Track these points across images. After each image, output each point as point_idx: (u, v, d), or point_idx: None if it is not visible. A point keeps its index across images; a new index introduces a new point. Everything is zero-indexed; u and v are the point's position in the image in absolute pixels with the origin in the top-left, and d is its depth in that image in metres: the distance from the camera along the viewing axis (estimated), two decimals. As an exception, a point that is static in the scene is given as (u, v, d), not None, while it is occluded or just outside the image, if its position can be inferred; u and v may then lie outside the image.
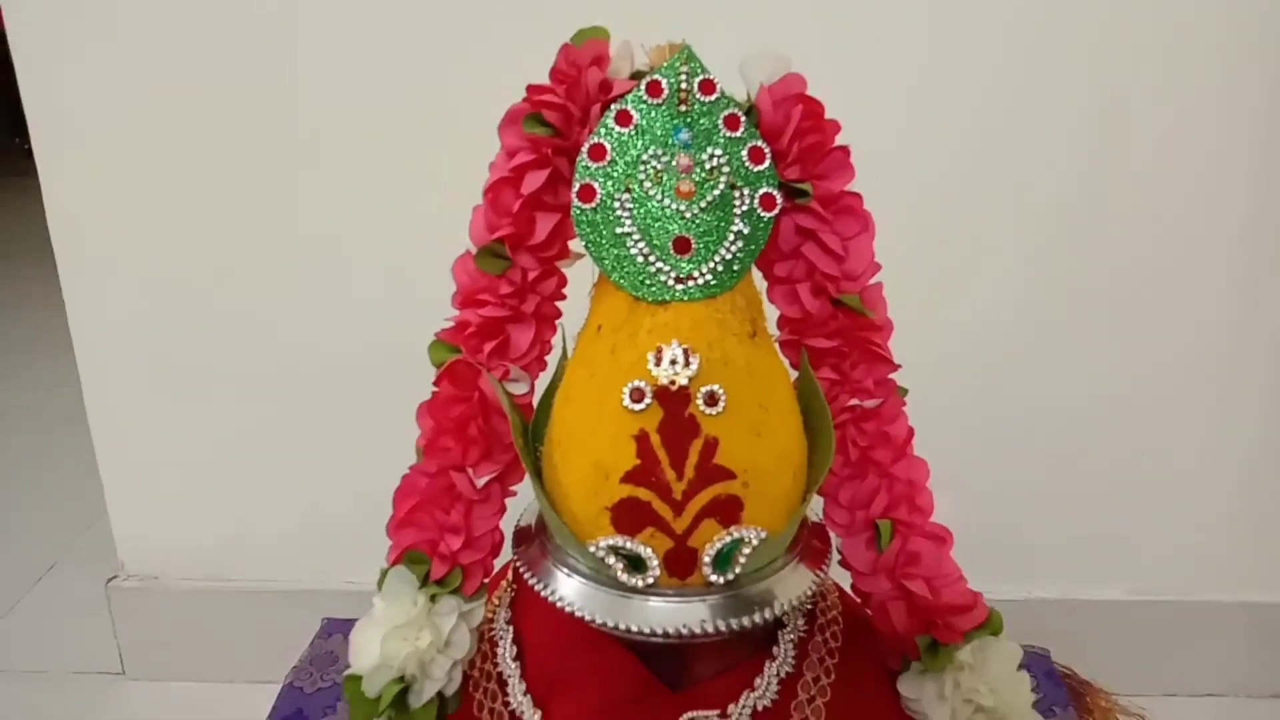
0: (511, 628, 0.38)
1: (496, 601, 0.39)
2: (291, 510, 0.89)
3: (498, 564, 0.40)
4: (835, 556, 0.38)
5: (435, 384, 0.38)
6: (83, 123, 0.79)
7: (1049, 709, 0.62)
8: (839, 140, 0.36)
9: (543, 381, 0.39)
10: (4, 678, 0.98)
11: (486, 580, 0.38)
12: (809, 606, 0.38)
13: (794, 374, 0.38)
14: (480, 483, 0.37)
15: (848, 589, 0.40)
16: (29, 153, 0.81)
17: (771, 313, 0.38)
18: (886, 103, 0.77)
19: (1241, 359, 0.88)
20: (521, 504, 0.40)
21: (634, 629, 0.33)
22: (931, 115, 0.78)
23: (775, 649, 0.36)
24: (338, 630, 0.70)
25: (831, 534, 0.38)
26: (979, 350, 0.87)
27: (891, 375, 0.38)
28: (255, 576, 0.92)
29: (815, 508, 0.40)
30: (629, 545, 0.33)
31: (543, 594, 0.35)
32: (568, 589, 0.34)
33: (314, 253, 0.79)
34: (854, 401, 0.37)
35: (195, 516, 0.91)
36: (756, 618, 0.33)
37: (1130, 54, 0.78)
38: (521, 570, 0.36)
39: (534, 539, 0.37)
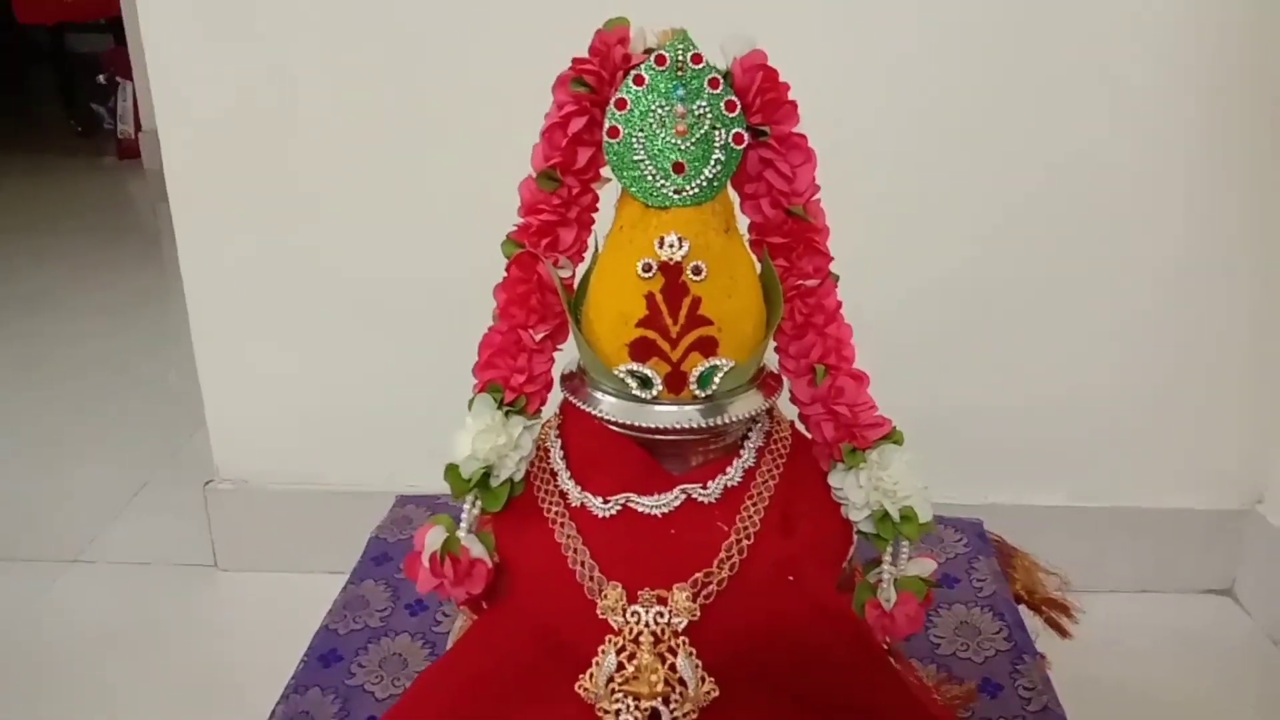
0: (560, 439, 0.54)
1: (548, 428, 0.55)
2: (366, 423, 1.05)
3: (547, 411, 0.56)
4: (786, 394, 0.54)
5: (506, 270, 0.54)
6: (195, 90, 0.95)
7: (975, 556, 0.77)
8: (791, 96, 0.52)
9: (581, 269, 0.55)
10: (114, 569, 1.15)
11: (542, 407, 0.54)
12: (767, 429, 0.54)
13: (758, 265, 0.53)
14: (538, 338, 0.53)
15: (796, 421, 0.56)
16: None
17: (743, 221, 0.54)
18: (857, 98, 0.93)
19: (1159, 296, 1.03)
20: (564, 360, 0.56)
21: (645, 425, 0.49)
22: (902, 107, 0.94)
23: (742, 451, 0.52)
24: (410, 502, 0.86)
25: (784, 378, 0.54)
26: (939, 289, 1.02)
27: (828, 266, 0.54)
28: (333, 480, 1.08)
29: (774, 363, 0.56)
30: (641, 369, 0.49)
31: (584, 408, 0.51)
32: (601, 403, 0.51)
33: (388, 197, 0.95)
34: (799, 282, 0.53)
35: (282, 428, 1.07)
36: (725, 418, 0.49)
37: (1086, 52, 0.93)
38: (569, 397, 0.52)
39: (575, 377, 0.53)
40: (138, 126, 3.01)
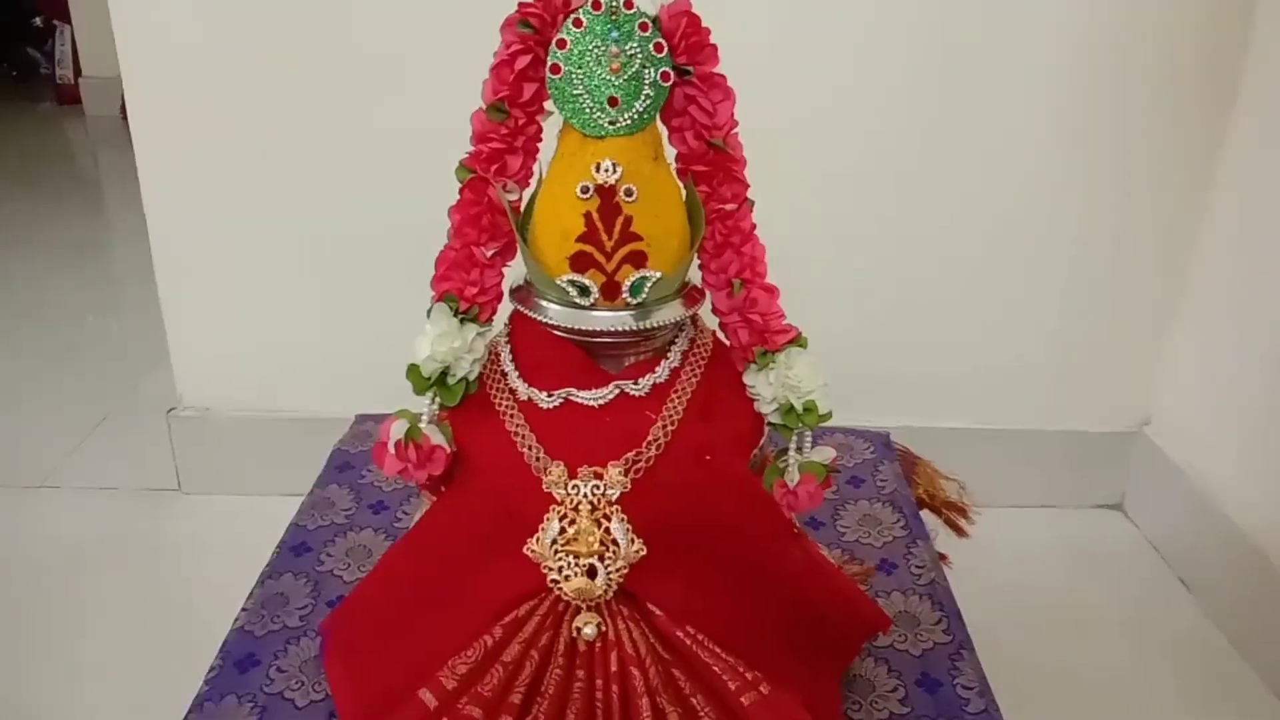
0: (509, 344, 0.61)
1: (499, 335, 0.62)
2: (323, 353, 1.11)
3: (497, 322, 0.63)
4: (708, 305, 0.62)
5: (459, 193, 0.60)
6: (158, 34, 0.98)
7: (880, 461, 0.86)
8: (712, 40, 0.59)
9: (528, 193, 0.62)
10: (82, 493, 1.20)
11: (493, 316, 0.61)
12: (691, 336, 0.61)
13: (683, 190, 0.60)
14: (488, 254, 0.60)
15: (717, 330, 0.63)
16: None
17: (671, 151, 0.61)
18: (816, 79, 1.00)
19: (1059, 248, 1.12)
20: (513, 276, 0.63)
21: (584, 329, 0.57)
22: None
23: (669, 354, 0.59)
24: (369, 420, 0.92)
25: (706, 291, 0.62)
26: (855, 241, 1.11)
27: (745, 192, 0.61)
28: (291, 408, 1.14)
29: (698, 279, 0.63)
30: (580, 279, 0.56)
31: (531, 315, 0.58)
32: (546, 310, 0.58)
33: (343, 134, 1.00)
34: (719, 206, 0.60)
35: (242, 358, 1.12)
36: (654, 322, 0.57)
37: (1011, 46, 1.02)
38: (517, 307, 0.59)
39: (523, 289, 0.60)
40: (77, 71, 2.96)
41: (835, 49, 1.03)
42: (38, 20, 3.07)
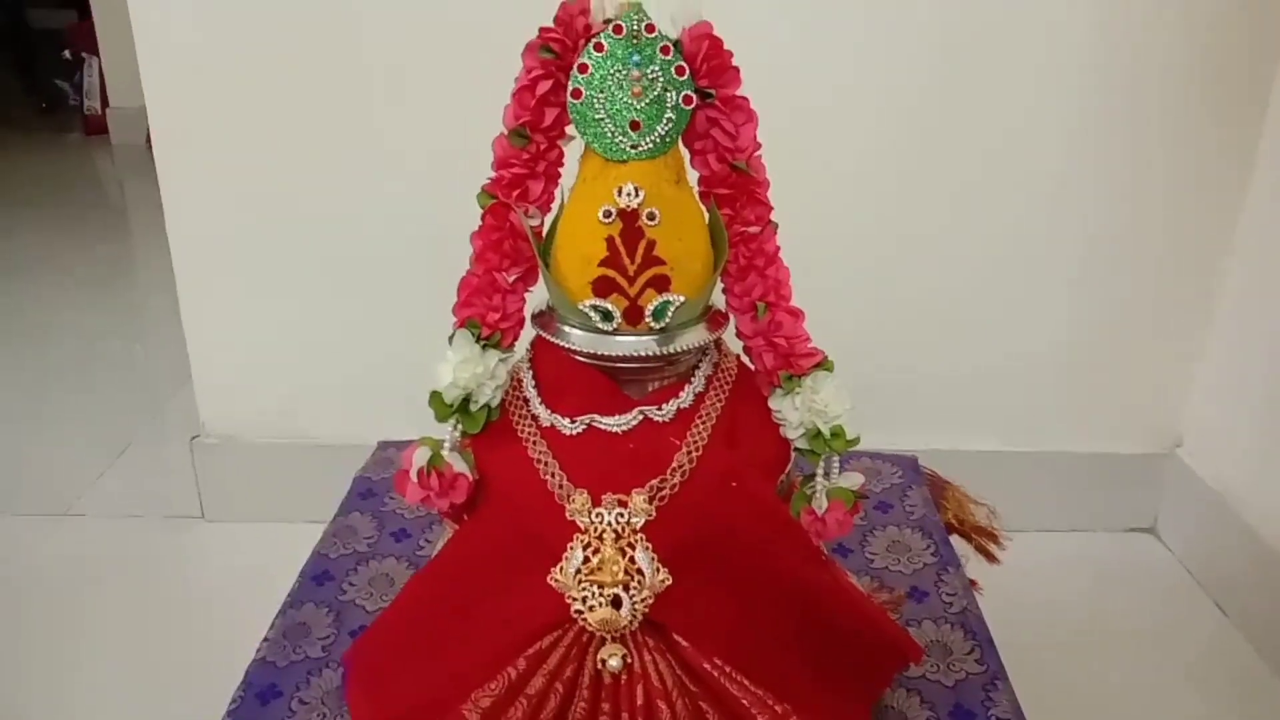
0: (531, 370, 0.60)
1: (521, 359, 0.62)
2: (345, 380, 1.11)
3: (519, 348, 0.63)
4: (732, 329, 0.61)
5: (481, 219, 0.60)
6: (178, 56, 0.98)
7: (908, 486, 0.85)
8: (734, 62, 0.58)
9: (549, 218, 0.61)
10: (106, 521, 1.20)
11: (515, 342, 0.60)
12: (715, 360, 0.61)
13: (706, 213, 0.60)
14: (510, 280, 0.59)
15: (741, 354, 0.63)
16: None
17: (693, 174, 0.61)
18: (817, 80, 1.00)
19: (1085, 263, 1.11)
20: (534, 301, 0.62)
21: (607, 354, 0.56)
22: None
23: (693, 378, 0.58)
24: (391, 447, 0.92)
25: (730, 314, 0.61)
26: (888, 261, 1.10)
27: (768, 215, 0.60)
28: (313, 435, 1.14)
29: (721, 302, 0.63)
30: (603, 304, 0.55)
31: (554, 340, 0.57)
32: (568, 336, 0.57)
33: (366, 158, 1.00)
34: (743, 229, 0.59)
35: (265, 386, 1.13)
36: (677, 347, 0.56)
37: (1022, 46, 1.01)
38: (539, 332, 0.59)
39: (545, 314, 0.60)
40: (104, 102, 3.01)
41: (836, 46, 1.02)
42: (66, 53, 3.13)
